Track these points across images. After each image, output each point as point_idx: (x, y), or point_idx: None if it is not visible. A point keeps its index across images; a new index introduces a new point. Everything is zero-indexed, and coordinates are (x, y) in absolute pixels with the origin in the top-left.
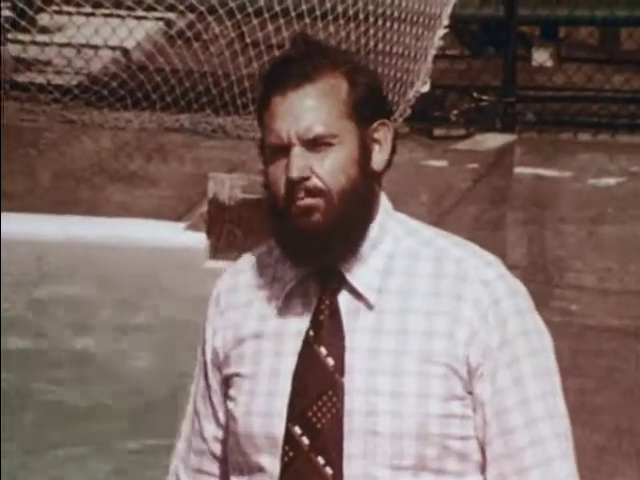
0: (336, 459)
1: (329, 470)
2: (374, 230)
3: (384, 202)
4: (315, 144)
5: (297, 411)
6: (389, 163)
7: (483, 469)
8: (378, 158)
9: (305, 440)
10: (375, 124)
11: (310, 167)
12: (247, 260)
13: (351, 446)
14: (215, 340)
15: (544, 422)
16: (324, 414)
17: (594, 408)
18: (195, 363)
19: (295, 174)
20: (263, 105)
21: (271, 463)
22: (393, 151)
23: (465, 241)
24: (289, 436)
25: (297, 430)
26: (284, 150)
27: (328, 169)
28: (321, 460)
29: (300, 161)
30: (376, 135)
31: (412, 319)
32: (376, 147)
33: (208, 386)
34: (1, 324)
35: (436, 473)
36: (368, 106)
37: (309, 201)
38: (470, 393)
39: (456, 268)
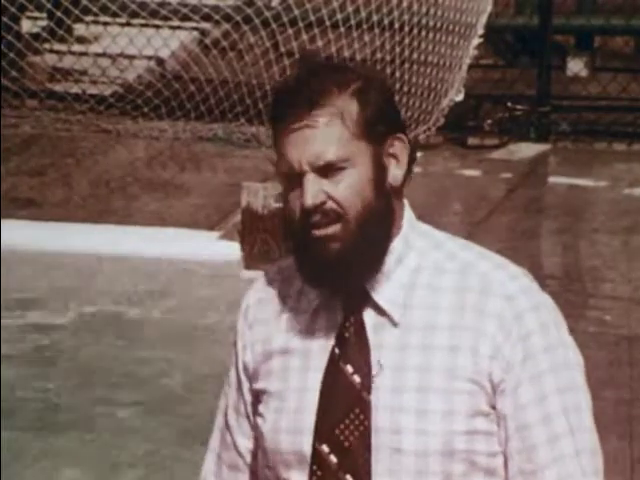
0: (365, 477)
1: None
2: (399, 245)
3: (407, 215)
4: (327, 170)
5: (325, 429)
6: (409, 175)
7: None
8: (395, 173)
9: (333, 458)
10: (390, 139)
11: (324, 192)
12: (275, 272)
13: (377, 464)
14: (245, 354)
15: (566, 439)
16: (352, 432)
17: (630, 418)
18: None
19: (310, 201)
20: (274, 133)
21: (300, 479)
22: (412, 162)
23: (491, 253)
24: (317, 455)
25: (325, 448)
26: (297, 178)
27: (343, 193)
28: (350, 478)
29: (314, 188)
30: (391, 150)
31: (437, 334)
32: (392, 162)
33: (241, 400)
34: None
35: None
36: (380, 123)
37: (326, 230)
38: (494, 408)
39: (480, 282)
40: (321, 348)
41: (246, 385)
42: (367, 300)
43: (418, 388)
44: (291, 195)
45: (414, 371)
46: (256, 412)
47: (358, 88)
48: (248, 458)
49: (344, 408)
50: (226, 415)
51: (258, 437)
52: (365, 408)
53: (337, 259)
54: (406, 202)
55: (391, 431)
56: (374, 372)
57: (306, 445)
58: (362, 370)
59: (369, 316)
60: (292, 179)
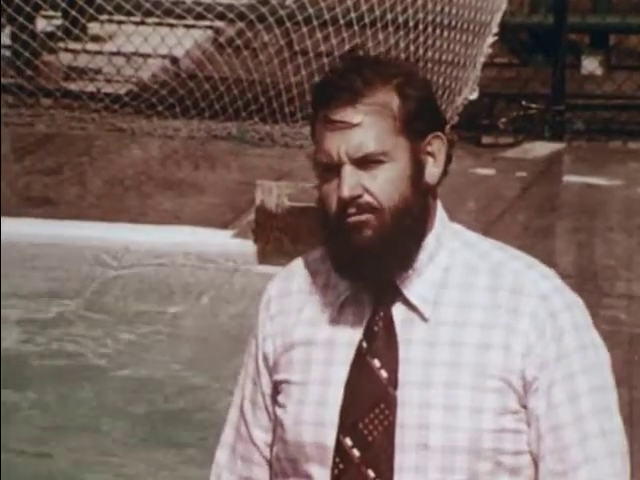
0: (387, 472)
1: None
2: (430, 242)
3: (440, 213)
4: (366, 162)
5: (348, 423)
6: (445, 173)
7: None
8: (432, 171)
9: (356, 452)
10: (429, 137)
11: (362, 185)
12: (299, 265)
13: (403, 460)
14: (265, 346)
15: (598, 440)
16: (376, 427)
17: None
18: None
19: (346, 193)
20: (314, 121)
21: (320, 472)
22: (448, 161)
23: (522, 253)
24: (340, 448)
25: (348, 442)
26: (335, 168)
27: (380, 186)
28: (371, 473)
29: (351, 180)
30: (430, 148)
31: (468, 331)
32: (430, 160)
33: (258, 391)
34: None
35: None
36: (421, 120)
37: (360, 217)
38: (524, 407)
39: (512, 281)
40: (347, 341)
41: (265, 376)
42: (397, 295)
43: (446, 384)
44: (327, 186)
45: (443, 367)
46: (276, 403)
47: (400, 83)
48: (264, 451)
49: (369, 402)
50: (242, 407)
51: (278, 428)
52: (390, 403)
53: (370, 247)
54: (439, 202)
55: (418, 427)
56: (401, 367)
57: (329, 438)
58: (389, 365)
59: (398, 311)
60: (329, 169)
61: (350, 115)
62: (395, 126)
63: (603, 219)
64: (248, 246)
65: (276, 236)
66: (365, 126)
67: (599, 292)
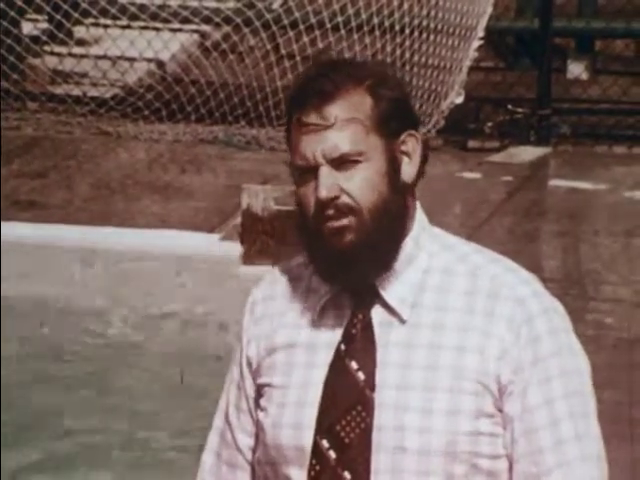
0: (363, 474)
1: None
2: (409, 245)
3: (419, 216)
4: (342, 163)
5: (325, 425)
6: (421, 173)
7: None
8: (408, 170)
9: (332, 454)
10: (403, 136)
11: (339, 186)
12: (284, 269)
13: (379, 462)
14: (249, 349)
15: (572, 444)
16: (352, 429)
17: (629, 421)
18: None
19: (324, 194)
20: (288, 126)
21: (299, 475)
22: (425, 161)
23: (501, 257)
24: (316, 449)
25: (325, 444)
26: (311, 171)
27: (357, 186)
28: (348, 475)
29: (328, 181)
30: (404, 147)
31: (445, 335)
32: (405, 159)
33: (242, 395)
34: None
35: None
36: (394, 119)
37: (340, 222)
38: (500, 410)
39: (490, 285)
40: (327, 344)
41: (248, 380)
42: (376, 298)
43: (423, 386)
44: (304, 189)
45: (420, 369)
46: (258, 406)
47: (372, 84)
48: (248, 455)
49: (346, 404)
50: (227, 412)
51: (259, 432)
52: (367, 405)
53: (351, 250)
54: (418, 204)
55: (394, 429)
56: (379, 370)
57: (306, 440)
58: (367, 367)
59: (377, 314)
60: (306, 172)
61: (323, 117)
62: (369, 126)
63: (589, 223)
64: (234, 249)
65: (262, 240)
66: (339, 127)
67: (585, 296)
